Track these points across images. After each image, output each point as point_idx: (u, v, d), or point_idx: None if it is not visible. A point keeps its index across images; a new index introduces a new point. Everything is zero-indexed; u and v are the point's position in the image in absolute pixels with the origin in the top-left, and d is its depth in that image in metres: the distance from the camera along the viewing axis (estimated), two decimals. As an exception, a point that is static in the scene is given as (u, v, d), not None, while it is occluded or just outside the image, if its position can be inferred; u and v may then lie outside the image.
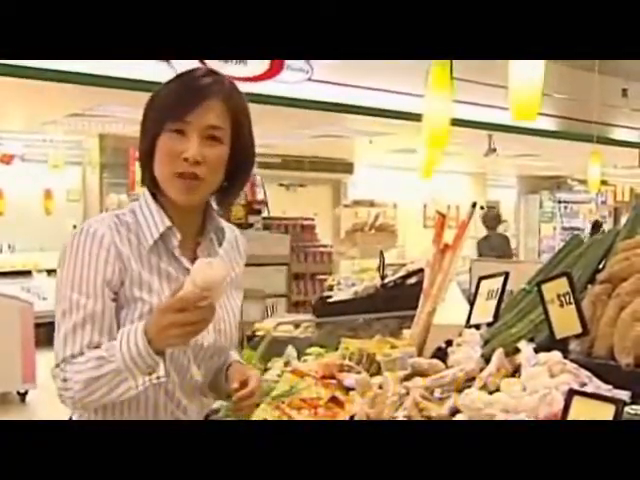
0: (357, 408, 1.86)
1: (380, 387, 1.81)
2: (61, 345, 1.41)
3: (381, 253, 4.29)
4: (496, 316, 1.91)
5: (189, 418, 1.54)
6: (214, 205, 1.58)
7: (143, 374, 1.35)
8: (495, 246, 8.68)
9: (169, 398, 1.51)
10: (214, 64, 5.77)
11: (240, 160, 1.50)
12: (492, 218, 9.27)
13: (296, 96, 6.75)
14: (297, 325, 3.89)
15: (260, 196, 8.29)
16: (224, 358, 1.64)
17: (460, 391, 1.59)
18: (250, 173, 1.56)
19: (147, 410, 1.49)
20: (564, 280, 1.65)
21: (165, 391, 1.49)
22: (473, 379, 1.64)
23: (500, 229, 12.39)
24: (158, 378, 1.36)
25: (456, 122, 4.80)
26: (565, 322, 1.62)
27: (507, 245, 9.11)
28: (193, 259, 1.49)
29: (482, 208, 13.62)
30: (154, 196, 1.51)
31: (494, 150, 8.69)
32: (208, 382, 1.61)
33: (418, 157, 7.08)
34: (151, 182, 1.49)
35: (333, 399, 2.15)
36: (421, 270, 3.51)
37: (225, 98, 1.46)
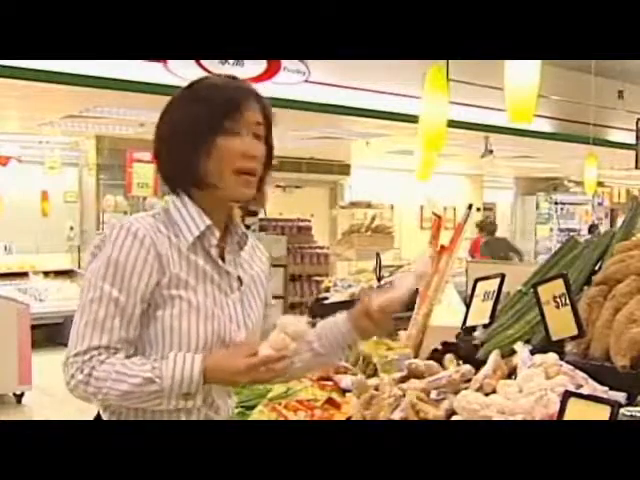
0: (353, 410, 1.86)
1: (376, 389, 1.81)
2: (88, 332, 1.40)
3: (378, 255, 4.29)
4: (492, 318, 1.92)
5: (220, 417, 1.56)
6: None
7: (179, 399, 1.41)
8: (495, 250, 8.83)
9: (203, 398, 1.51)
10: (211, 65, 5.77)
11: (269, 158, 1.58)
12: (488, 224, 9.57)
13: (293, 98, 6.75)
14: (294, 327, 3.87)
15: (257, 197, 8.27)
16: None
17: (456, 393, 1.59)
18: (271, 172, 1.61)
19: (179, 409, 1.48)
20: (560, 282, 1.65)
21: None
22: (469, 381, 1.64)
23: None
24: (192, 405, 1.42)
25: (453, 124, 4.80)
26: (561, 324, 1.63)
27: (507, 247, 9.27)
28: (222, 259, 1.55)
29: (478, 210, 13.67)
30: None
31: (491, 152, 8.70)
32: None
33: (415, 159, 7.09)
34: (198, 182, 1.50)
35: (329, 401, 2.14)
36: (418, 272, 3.51)
37: (259, 98, 1.53)
